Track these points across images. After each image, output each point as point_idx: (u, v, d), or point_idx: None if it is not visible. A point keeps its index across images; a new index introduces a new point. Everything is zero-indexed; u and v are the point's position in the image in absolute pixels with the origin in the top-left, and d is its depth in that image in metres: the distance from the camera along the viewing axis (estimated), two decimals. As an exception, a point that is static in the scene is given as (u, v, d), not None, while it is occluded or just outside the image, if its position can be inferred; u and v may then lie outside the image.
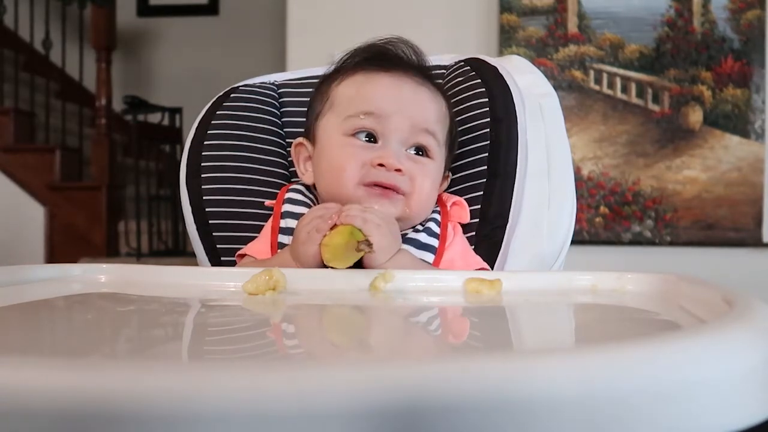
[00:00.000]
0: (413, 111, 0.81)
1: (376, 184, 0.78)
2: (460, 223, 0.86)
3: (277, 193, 0.90)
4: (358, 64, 0.85)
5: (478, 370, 0.26)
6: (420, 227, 0.82)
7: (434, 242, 0.81)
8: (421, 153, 0.82)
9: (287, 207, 0.85)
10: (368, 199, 0.78)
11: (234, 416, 0.24)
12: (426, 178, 0.80)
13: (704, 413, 0.27)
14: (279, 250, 0.82)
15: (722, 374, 0.28)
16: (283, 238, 0.83)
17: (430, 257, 0.80)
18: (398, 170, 0.78)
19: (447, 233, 0.83)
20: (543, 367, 0.26)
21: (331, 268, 0.69)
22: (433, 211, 0.85)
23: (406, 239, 0.80)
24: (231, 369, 0.26)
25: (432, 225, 0.83)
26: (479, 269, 0.81)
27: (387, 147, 0.79)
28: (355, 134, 0.80)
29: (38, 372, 0.25)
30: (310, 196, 0.87)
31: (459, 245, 0.83)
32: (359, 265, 0.70)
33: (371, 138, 0.80)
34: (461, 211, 0.87)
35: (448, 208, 0.86)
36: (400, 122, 0.80)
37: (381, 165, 0.78)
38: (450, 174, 0.89)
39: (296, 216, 0.83)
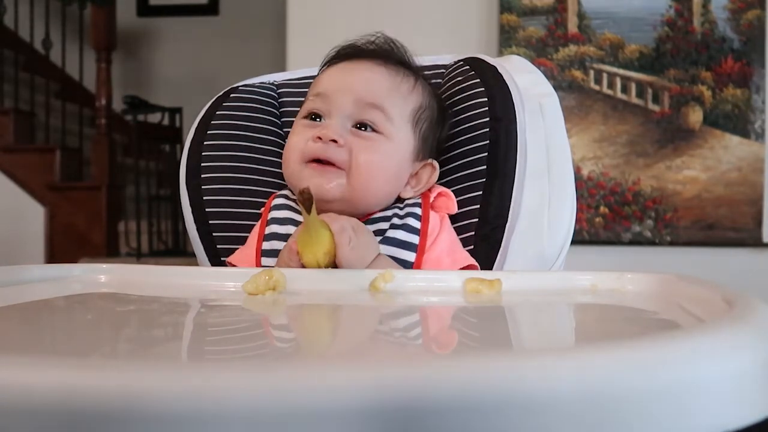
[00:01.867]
0: (359, 87, 0.81)
1: (314, 159, 0.79)
2: (449, 214, 0.85)
3: (276, 192, 0.91)
4: (328, 61, 0.87)
5: (477, 370, 0.26)
6: (398, 222, 0.81)
7: (414, 239, 0.80)
8: (365, 128, 0.80)
9: (273, 213, 0.85)
10: (308, 176, 0.78)
11: (234, 416, 0.24)
12: (371, 153, 0.79)
13: (704, 413, 0.27)
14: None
15: (722, 374, 0.28)
16: (267, 245, 0.83)
17: (410, 255, 0.79)
18: (334, 141, 0.78)
19: (429, 228, 0.81)
20: (543, 367, 0.26)
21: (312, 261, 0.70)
22: (413, 205, 0.83)
23: (384, 238, 0.79)
24: (231, 369, 0.26)
25: (411, 221, 0.81)
26: (467, 266, 0.80)
27: (328, 121, 0.80)
28: (306, 117, 0.83)
29: (38, 372, 0.25)
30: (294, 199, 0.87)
31: (446, 241, 0.82)
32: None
33: (318, 117, 0.82)
34: (448, 201, 0.85)
35: (431, 199, 0.84)
36: (343, 98, 0.80)
37: (319, 138, 0.78)
38: (435, 163, 0.86)
39: (280, 221, 0.84)
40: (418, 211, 0.83)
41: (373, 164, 0.79)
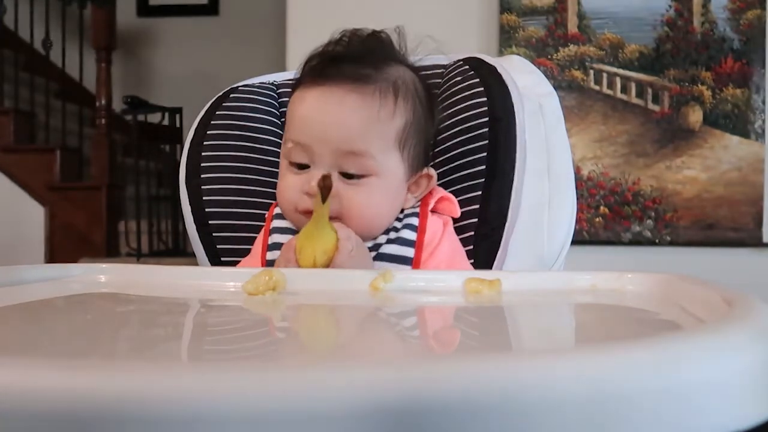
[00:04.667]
0: (335, 134, 0.76)
1: (309, 211, 0.76)
2: (452, 217, 0.85)
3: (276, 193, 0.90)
4: (301, 76, 0.82)
5: (476, 371, 0.26)
6: (393, 235, 0.81)
7: (408, 252, 0.79)
8: (351, 175, 0.77)
9: (275, 223, 0.85)
10: (306, 223, 0.77)
11: (234, 416, 0.24)
12: (363, 198, 0.77)
13: (704, 413, 0.27)
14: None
15: (722, 374, 0.28)
16: (270, 255, 0.83)
17: (405, 269, 0.78)
18: None
19: (426, 238, 0.80)
20: (543, 367, 0.26)
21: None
22: (411, 214, 0.82)
23: (378, 254, 0.79)
24: (231, 369, 0.26)
25: (406, 233, 0.80)
26: None
27: (314, 172, 0.77)
28: (290, 162, 0.80)
29: (38, 372, 0.25)
30: None
31: (447, 248, 0.81)
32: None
33: (303, 165, 0.79)
34: (451, 206, 0.85)
35: (430, 206, 0.83)
36: (322, 149, 0.77)
37: (308, 192, 0.77)
38: (430, 171, 0.84)
39: (282, 231, 0.84)
40: (415, 221, 0.82)
41: (367, 208, 0.78)
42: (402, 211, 0.83)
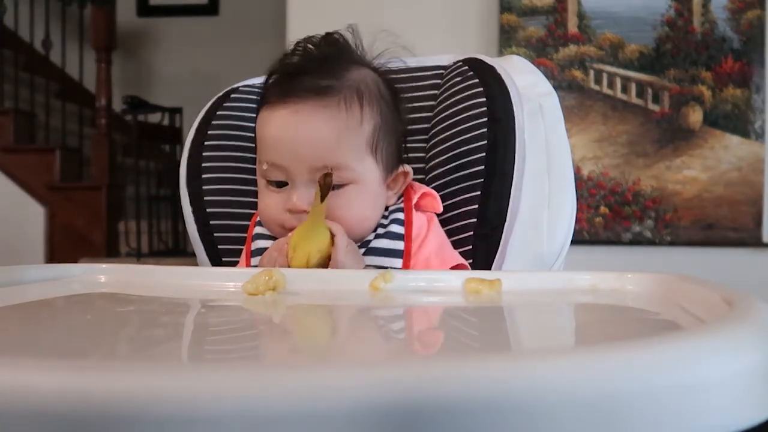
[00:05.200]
0: (306, 152, 0.76)
1: (293, 228, 0.77)
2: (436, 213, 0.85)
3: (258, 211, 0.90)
4: (265, 93, 0.82)
5: (476, 371, 0.26)
6: (381, 230, 0.81)
7: (399, 245, 0.80)
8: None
9: (258, 229, 0.86)
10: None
11: (234, 416, 0.24)
12: (344, 209, 0.77)
13: (704, 414, 0.27)
14: None
15: (722, 375, 0.28)
16: (255, 261, 0.83)
17: (397, 262, 0.79)
18: (305, 211, 0.76)
19: (414, 231, 0.81)
20: (543, 367, 0.26)
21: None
22: (396, 210, 0.83)
23: (369, 249, 0.80)
24: (231, 369, 0.26)
25: (394, 227, 0.81)
26: (457, 265, 0.81)
27: (293, 190, 0.78)
28: (268, 181, 0.80)
29: (38, 372, 0.25)
30: None
31: (434, 241, 0.82)
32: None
33: (281, 183, 0.79)
34: (434, 201, 0.85)
35: (413, 201, 0.84)
36: (297, 168, 0.77)
37: (290, 209, 0.78)
38: (405, 168, 0.84)
39: (264, 237, 0.84)
40: (400, 216, 0.82)
41: (349, 217, 0.78)
42: (386, 208, 0.84)
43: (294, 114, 0.77)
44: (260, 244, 0.83)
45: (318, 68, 0.79)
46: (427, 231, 0.82)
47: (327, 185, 0.71)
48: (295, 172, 0.77)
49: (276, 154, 0.78)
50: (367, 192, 0.80)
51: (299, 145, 0.77)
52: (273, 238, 0.83)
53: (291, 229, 0.77)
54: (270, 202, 0.80)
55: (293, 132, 0.77)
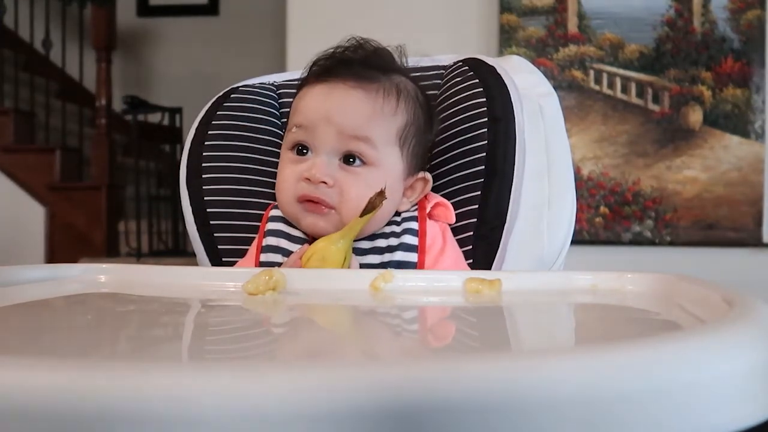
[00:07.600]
0: (339, 118, 0.78)
1: (306, 199, 0.78)
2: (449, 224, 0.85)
3: (273, 203, 0.90)
4: (307, 76, 0.84)
5: (476, 371, 0.26)
6: (395, 242, 0.81)
7: (412, 257, 0.80)
8: (352, 161, 0.79)
9: (270, 225, 0.86)
10: (302, 213, 0.80)
11: (234, 416, 0.24)
12: (362, 188, 0.77)
13: (704, 413, 0.27)
14: None
15: (722, 374, 0.28)
16: (264, 257, 0.83)
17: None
18: (324, 182, 0.77)
19: (427, 242, 0.81)
20: (543, 368, 0.26)
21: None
22: (409, 219, 0.83)
23: (382, 263, 0.80)
24: (231, 369, 0.26)
25: (407, 238, 0.81)
26: None
27: (315, 158, 0.79)
28: (292, 148, 0.82)
29: (38, 372, 0.25)
30: None
31: (452, 255, 0.82)
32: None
33: (305, 150, 0.81)
34: (447, 212, 0.85)
35: (427, 210, 0.84)
36: (325, 131, 0.78)
37: (308, 179, 0.78)
38: (427, 175, 0.85)
39: (276, 233, 0.84)
40: (414, 225, 0.82)
41: (356, 197, 0.78)
42: (399, 214, 0.84)
43: (332, 88, 0.80)
44: (271, 241, 0.84)
45: (365, 61, 0.82)
46: (444, 244, 0.82)
47: (374, 205, 0.71)
48: (322, 135, 0.78)
49: (307, 116, 0.80)
50: (380, 179, 0.78)
51: (332, 110, 0.79)
52: (286, 235, 0.83)
53: (301, 201, 0.79)
54: (288, 173, 0.81)
55: (328, 100, 0.80)
